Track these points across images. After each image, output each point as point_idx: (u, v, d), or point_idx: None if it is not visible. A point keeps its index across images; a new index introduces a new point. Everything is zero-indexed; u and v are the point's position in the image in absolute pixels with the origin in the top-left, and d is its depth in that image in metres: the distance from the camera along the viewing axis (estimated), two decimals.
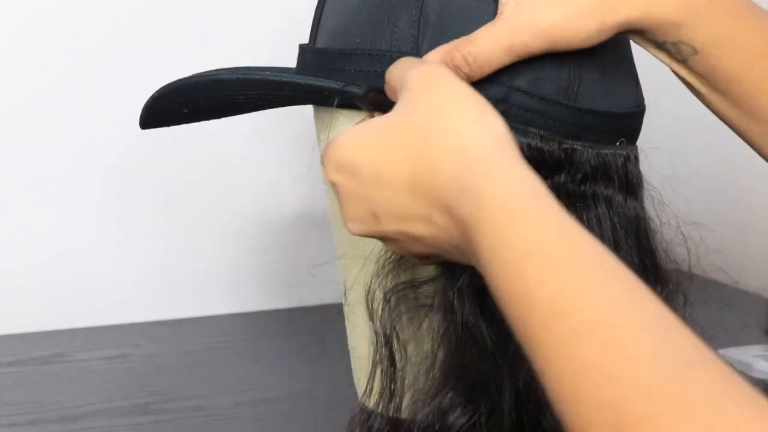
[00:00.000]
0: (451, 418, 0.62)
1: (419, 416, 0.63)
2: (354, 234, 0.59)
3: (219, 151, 1.20)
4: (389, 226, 0.57)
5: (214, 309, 1.22)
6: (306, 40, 0.71)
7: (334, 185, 0.58)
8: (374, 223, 0.57)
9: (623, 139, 0.65)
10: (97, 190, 1.16)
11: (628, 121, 0.66)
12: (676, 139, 1.09)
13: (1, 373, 1.04)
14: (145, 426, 0.91)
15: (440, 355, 0.63)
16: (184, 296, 1.21)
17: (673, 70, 0.65)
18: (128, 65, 1.14)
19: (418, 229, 0.56)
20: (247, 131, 1.18)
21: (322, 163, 0.59)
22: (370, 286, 0.66)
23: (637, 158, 0.66)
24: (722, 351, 0.94)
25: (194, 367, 1.05)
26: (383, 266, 0.65)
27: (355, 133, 0.58)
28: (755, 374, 0.95)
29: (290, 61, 0.72)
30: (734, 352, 0.97)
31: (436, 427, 0.62)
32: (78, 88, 1.14)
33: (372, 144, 0.57)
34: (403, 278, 0.65)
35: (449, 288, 0.62)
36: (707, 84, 0.64)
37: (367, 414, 0.69)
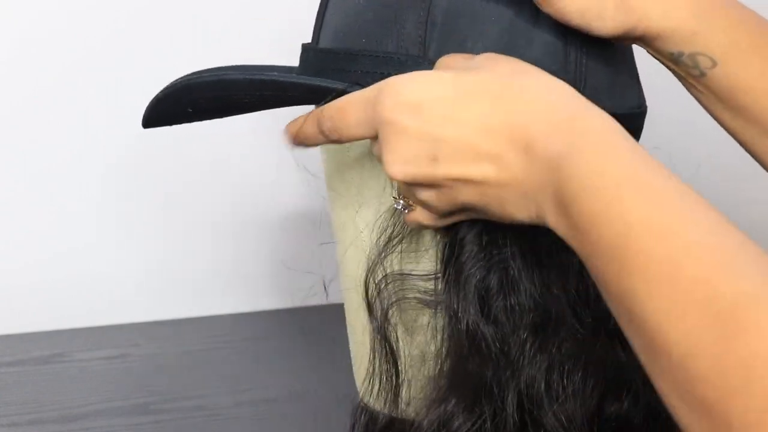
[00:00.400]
0: (456, 425, 0.62)
1: (424, 423, 0.63)
2: (397, 178, 0.57)
3: (219, 151, 1.20)
4: (447, 169, 0.56)
5: (214, 309, 1.22)
6: (306, 40, 0.70)
7: (388, 124, 0.57)
8: (429, 165, 0.56)
9: None
10: (97, 190, 1.16)
11: (630, 122, 0.66)
12: (677, 140, 1.09)
13: (1, 373, 1.04)
14: (145, 426, 0.91)
15: (445, 362, 0.63)
16: (184, 296, 1.21)
17: (689, 89, 0.65)
18: (128, 65, 1.14)
19: (482, 171, 0.55)
20: (247, 131, 1.17)
21: (377, 100, 0.57)
22: (366, 279, 0.66)
23: None
24: None
25: (194, 367, 1.05)
26: (383, 248, 0.65)
27: (425, 73, 0.58)
28: None
29: (290, 61, 0.72)
30: None
31: None
32: (78, 88, 1.14)
33: (447, 83, 0.56)
34: (396, 268, 0.65)
35: (454, 295, 0.62)
36: (722, 101, 0.65)
37: (368, 412, 0.69)
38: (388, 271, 0.65)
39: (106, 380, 1.02)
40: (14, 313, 1.13)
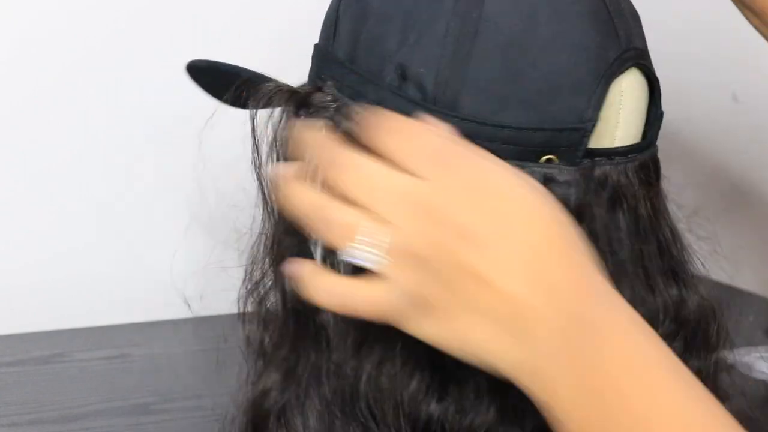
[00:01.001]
0: (271, 397, 0.66)
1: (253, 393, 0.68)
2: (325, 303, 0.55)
3: (222, 151, 1.20)
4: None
5: (214, 309, 1.21)
6: (306, 40, 0.71)
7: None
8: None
9: (552, 156, 0.62)
10: (97, 190, 1.16)
11: (547, 137, 0.61)
12: (674, 140, 1.09)
13: (1, 373, 1.04)
14: (145, 426, 0.91)
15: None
16: (184, 296, 1.21)
17: None
18: (128, 65, 1.14)
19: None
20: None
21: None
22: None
23: (570, 182, 0.62)
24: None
25: (194, 367, 1.05)
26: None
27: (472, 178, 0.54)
28: (756, 375, 0.95)
29: (290, 60, 0.72)
30: (735, 353, 0.97)
31: None
32: (78, 88, 1.14)
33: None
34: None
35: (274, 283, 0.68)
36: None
37: None
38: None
39: (106, 380, 1.02)
40: (14, 313, 1.13)
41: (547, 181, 0.61)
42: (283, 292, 0.65)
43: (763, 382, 0.93)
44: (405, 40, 0.62)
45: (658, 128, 0.68)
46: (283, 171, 0.57)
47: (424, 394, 0.61)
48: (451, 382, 0.61)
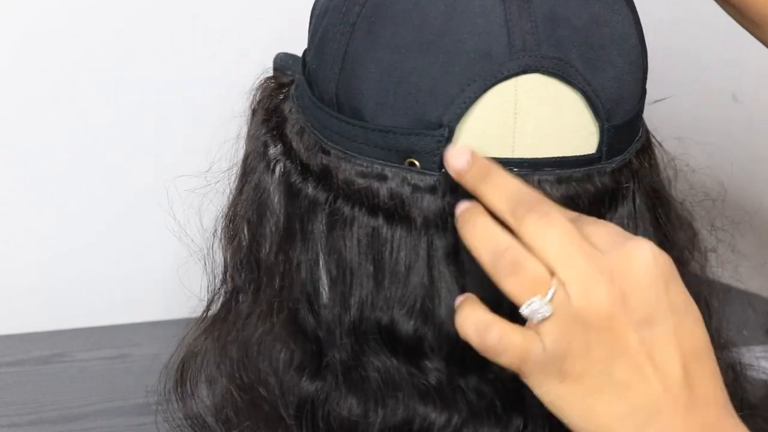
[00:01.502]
0: None
1: None
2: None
3: (222, 152, 1.20)
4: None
5: (215, 309, 1.21)
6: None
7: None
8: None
9: (413, 160, 0.60)
10: (97, 190, 1.16)
11: (410, 142, 0.60)
12: (673, 140, 1.09)
13: (1, 373, 1.04)
14: (145, 426, 0.91)
15: None
16: (184, 296, 1.21)
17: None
18: (128, 65, 1.14)
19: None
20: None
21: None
22: None
23: (436, 188, 0.60)
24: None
25: None
26: None
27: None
28: (756, 374, 0.95)
29: None
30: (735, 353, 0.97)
31: None
32: (78, 88, 1.14)
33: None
34: None
35: None
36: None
37: None
38: None
39: (106, 380, 1.02)
40: (14, 313, 1.13)
41: (413, 189, 0.60)
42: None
43: (764, 381, 0.93)
44: (314, 41, 0.65)
45: (609, 145, 0.63)
46: (471, 204, 0.56)
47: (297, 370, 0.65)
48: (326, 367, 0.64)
